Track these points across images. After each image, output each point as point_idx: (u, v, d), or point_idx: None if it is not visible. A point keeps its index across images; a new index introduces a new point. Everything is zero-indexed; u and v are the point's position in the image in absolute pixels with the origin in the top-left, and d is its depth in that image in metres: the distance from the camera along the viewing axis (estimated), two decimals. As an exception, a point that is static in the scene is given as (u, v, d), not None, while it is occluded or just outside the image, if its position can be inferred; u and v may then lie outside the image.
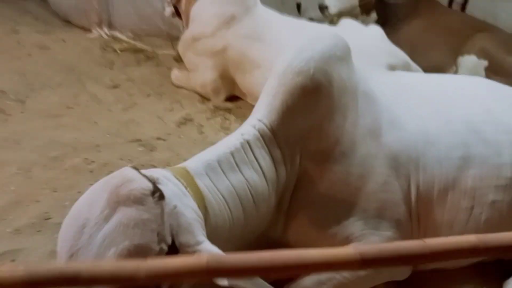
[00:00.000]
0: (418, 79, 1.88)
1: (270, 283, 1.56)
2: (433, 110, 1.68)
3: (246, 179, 1.40)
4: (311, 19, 3.87)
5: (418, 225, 1.63)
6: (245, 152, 1.43)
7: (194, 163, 1.35)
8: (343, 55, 1.57)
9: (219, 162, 1.37)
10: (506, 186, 1.61)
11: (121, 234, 1.07)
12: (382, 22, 3.86)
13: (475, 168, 1.61)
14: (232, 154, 1.40)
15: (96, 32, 4.06)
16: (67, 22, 4.38)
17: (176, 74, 3.24)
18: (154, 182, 1.16)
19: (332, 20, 3.63)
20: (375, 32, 2.87)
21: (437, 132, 1.63)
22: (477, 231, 1.63)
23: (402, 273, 1.66)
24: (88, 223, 1.07)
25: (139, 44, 3.91)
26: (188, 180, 1.27)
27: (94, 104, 2.95)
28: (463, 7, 4.69)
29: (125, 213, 1.05)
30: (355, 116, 1.56)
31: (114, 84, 3.21)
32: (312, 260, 0.84)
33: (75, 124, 2.68)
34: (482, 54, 3.30)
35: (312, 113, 1.49)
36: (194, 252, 1.15)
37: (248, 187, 1.39)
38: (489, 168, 1.63)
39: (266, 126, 1.48)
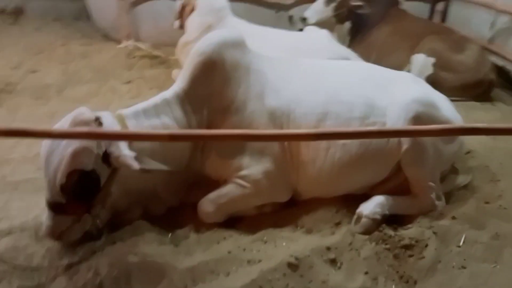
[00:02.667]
0: (311, 64, 2.50)
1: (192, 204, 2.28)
2: (306, 82, 2.31)
3: (162, 122, 2.13)
4: (300, 30, 4.58)
5: (291, 160, 2.24)
6: (163, 106, 2.16)
7: (128, 110, 2.12)
8: (235, 43, 2.25)
9: (143, 111, 2.12)
10: (354, 133, 2.21)
11: (75, 140, 1.85)
12: (355, 29, 4.50)
13: (331, 120, 2.20)
14: (154, 106, 2.15)
15: (124, 43, 5.12)
16: (106, 36, 5.54)
17: (175, 72, 4.11)
18: (97, 116, 1.95)
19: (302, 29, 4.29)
20: (323, 35, 3.54)
21: (304, 97, 2.25)
22: (332, 165, 2.25)
23: (282, 196, 2.30)
24: None
25: (155, 52, 4.89)
26: (120, 119, 2.04)
27: (111, 94, 3.90)
28: (444, 16, 5.17)
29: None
30: (246, 85, 2.23)
31: (129, 80, 4.17)
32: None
33: (94, 107, 3.48)
34: (430, 52, 3.79)
35: (211, 81, 2.19)
36: (118, 157, 1.90)
37: (163, 128, 2.11)
38: (342, 120, 2.20)
39: (180, 89, 2.20)
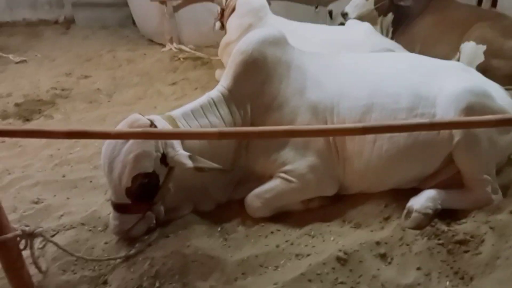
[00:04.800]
0: (353, 57, 2.47)
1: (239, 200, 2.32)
2: (349, 76, 2.28)
3: (209, 121, 2.19)
4: (341, 24, 4.53)
5: (337, 154, 2.22)
6: (210, 106, 2.22)
7: (176, 111, 2.19)
8: (276, 40, 2.27)
9: (192, 111, 2.19)
10: (401, 125, 2.15)
11: (135, 145, 1.93)
12: (398, 21, 4.37)
13: (376, 112, 2.15)
14: (201, 106, 2.21)
15: (168, 46, 5.29)
16: (150, 41, 5.74)
17: (218, 72, 4.20)
18: (151, 120, 2.03)
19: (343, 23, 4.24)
20: (365, 28, 3.48)
21: (348, 90, 2.23)
22: (379, 158, 2.21)
23: (328, 190, 2.28)
24: (117, 143, 1.95)
25: (198, 53, 5.01)
26: (171, 121, 2.10)
27: (156, 96, 4.06)
28: (494, 1, 4.90)
29: None
30: (288, 81, 2.25)
31: (173, 82, 4.31)
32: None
33: (142, 109, 3.70)
34: (480, 40, 3.60)
35: (253, 79, 2.22)
36: (174, 156, 1.98)
37: (211, 127, 2.16)
38: (388, 112, 2.15)
39: (224, 88, 2.26)
